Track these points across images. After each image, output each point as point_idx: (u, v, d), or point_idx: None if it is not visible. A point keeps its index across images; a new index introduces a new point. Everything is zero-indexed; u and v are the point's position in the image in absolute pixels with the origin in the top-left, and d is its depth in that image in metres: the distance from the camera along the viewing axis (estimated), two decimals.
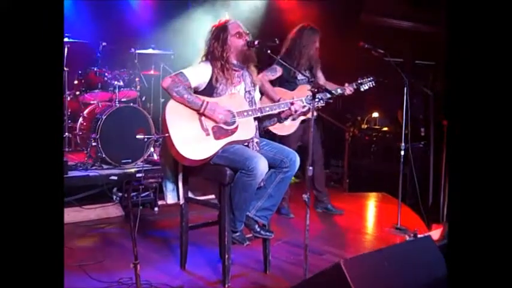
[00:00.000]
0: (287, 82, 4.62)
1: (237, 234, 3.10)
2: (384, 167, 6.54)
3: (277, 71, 4.55)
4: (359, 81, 4.43)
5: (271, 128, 4.32)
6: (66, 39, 5.14)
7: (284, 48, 4.64)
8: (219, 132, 2.99)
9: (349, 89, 4.42)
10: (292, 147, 4.65)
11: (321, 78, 4.75)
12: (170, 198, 3.29)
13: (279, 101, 4.20)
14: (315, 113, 4.59)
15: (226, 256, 3.01)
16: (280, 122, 3.35)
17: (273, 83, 4.62)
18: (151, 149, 5.27)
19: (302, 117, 4.51)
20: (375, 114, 7.54)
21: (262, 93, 4.42)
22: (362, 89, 4.47)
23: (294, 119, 4.35)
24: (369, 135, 7.28)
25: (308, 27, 4.65)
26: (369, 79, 4.46)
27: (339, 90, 4.42)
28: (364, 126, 7.45)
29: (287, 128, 4.46)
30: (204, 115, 2.99)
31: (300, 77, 4.60)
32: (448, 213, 1.86)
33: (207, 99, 3.03)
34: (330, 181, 7.02)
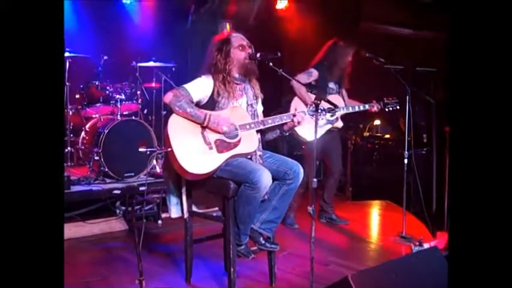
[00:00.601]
0: (319, 88, 4.63)
1: (242, 247, 3.09)
2: (387, 175, 6.52)
3: (313, 75, 4.61)
4: (386, 102, 4.64)
5: (297, 130, 4.33)
6: (67, 54, 5.15)
7: (317, 58, 4.75)
8: (221, 146, 2.99)
9: (376, 106, 4.63)
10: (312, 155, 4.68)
11: (345, 96, 4.86)
12: (174, 212, 3.28)
13: (310, 105, 4.27)
14: (340, 125, 4.71)
15: (232, 269, 3.00)
16: (282, 135, 3.34)
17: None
18: (154, 162, 5.26)
19: (329, 126, 4.55)
20: (377, 122, 7.52)
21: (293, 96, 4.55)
22: (387, 109, 4.69)
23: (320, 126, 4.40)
24: (371, 142, 7.25)
25: (344, 40, 4.75)
26: (394, 101, 4.68)
27: (367, 106, 4.64)
28: (366, 134, 7.43)
29: (311, 133, 4.45)
30: (208, 128, 2.99)
31: (331, 85, 4.71)
32: (449, 220, 1.83)
33: (209, 112, 3.03)
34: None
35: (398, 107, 4.69)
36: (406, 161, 4.52)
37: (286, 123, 3.21)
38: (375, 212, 5.78)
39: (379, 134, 7.44)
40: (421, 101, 5.79)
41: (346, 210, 5.43)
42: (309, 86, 4.54)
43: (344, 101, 4.76)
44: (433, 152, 5.73)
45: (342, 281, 1.99)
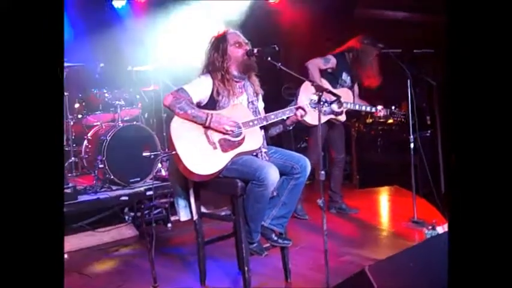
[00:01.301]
0: (332, 77, 4.64)
1: (254, 245, 3.06)
2: (393, 160, 6.49)
3: (330, 63, 4.59)
4: (393, 111, 4.67)
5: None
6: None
7: (343, 47, 4.74)
8: (226, 145, 2.96)
9: (383, 112, 4.66)
10: (318, 143, 4.64)
11: (356, 90, 4.85)
12: (183, 215, 3.26)
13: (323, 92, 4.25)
14: (344, 119, 4.69)
15: (246, 268, 2.97)
16: (286, 129, 3.31)
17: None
18: (159, 165, 5.24)
19: (331, 116, 4.53)
20: (379, 107, 7.47)
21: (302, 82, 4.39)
22: (392, 119, 4.82)
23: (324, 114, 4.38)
24: (374, 129, 7.22)
25: (371, 37, 4.71)
26: (402, 113, 4.72)
27: (373, 109, 4.65)
28: (369, 120, 7.39)
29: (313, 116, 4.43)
30: (211, 128, 2.96)
31: (343, 76, 4.69)
32: (449, 212, 1.80)
33: (211, 112, 2.99)
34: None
35: (404, 121, 4.71)
36: (412, 145, 4.48)
37: (288, 117, 3.18)
38: (384, 198, 5.76)
39: (382, 120, 7.39)
40: (421, 82, 5.75)
41: (355, 199, 5.41)
42: (325, 75, 4.53)
43: (354, 96, 4.73)
44: (437, 133, 5.69)
45: (359, 274, 1.97)
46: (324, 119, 4.51)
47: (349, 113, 4.86)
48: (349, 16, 6.91)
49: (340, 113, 4.62)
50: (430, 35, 6.03)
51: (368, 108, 4.64)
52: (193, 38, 5.79)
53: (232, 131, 2.96)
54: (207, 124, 2.94)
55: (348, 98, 4.58)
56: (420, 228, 4.12)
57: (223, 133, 2.96)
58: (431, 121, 6.46)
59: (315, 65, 4.51)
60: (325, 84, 4.49)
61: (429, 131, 6.17)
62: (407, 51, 6.53)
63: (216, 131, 2.96)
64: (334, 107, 4.44)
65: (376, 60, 4.71)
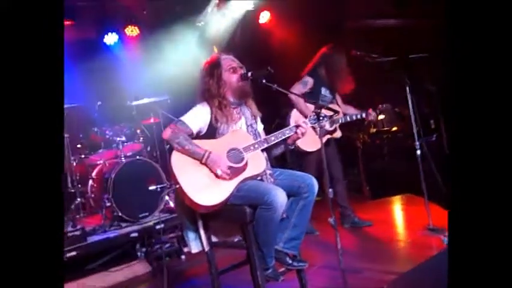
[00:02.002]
0: (312, 96, 4.59)
1: (269, 270, 2.98)
2: (401, 167, 6.42)
3: (309, 83, 4.60)
4: (380, 110, 4.71)
5: (298, 143, 4.29)
6: None
7: (311, 64, 4.74)
8: (230, 173, 2.90)
9: (372, 115, 4.66)
10: (313, 165, 4.61)
11: (339, 101, 4.86)
12: (194, 247, 3.19)
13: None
14: (339, 135, 4.66)
15: None
16: (288, 148, 3.26)
17: None
18: (167, 197, 5.19)
19: (328, 136, 4.51)
20: (381, 116, 7.42)
21: (292, 107, 4.54)
22: (379, 118, 4.86)
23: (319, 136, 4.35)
24: (379, 138, 7.17)
25: (336, 46, 4.76)
26: (389, 107, 4.81)
27: (363, 115, 4.66)
28: (373, 130, 7.34)
29: (313, 143, 4.39)
30: (206, 165, 2.89)
31: (323, 92, 4.66)
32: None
33: (209, 143, 2.95)
34: (349, 191, 6.89)
35: (395, 109, 4.90)
36: (418, 151, 4.42)
37: (289, 136, 3.13)
38: (397, 207, 5.67)
39: (385, 128, 7.34)
40: (420, 88, 5.71)
41: (367, 211, 5.32)
42: (307, 96, 4.51)
43: (339, 107, 4.72)
44: (443, 136, 5.63)
45: None
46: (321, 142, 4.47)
47: (350, 124, 4.83)
48: (339, 29, 6.93)
49: (334, 130, 4.61)
50: (424, 39, 6.02)
51: (359, 116, 4.64)
52: (188, 65, 5.80)
53: (224, 177, 2.87)
54: (203, 161, 2.88)
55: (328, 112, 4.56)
56: (437, 236, 4.03)
57: (216, 175, 2.88)
58: (435, 125, 6.41)
59: (296, 91, 4.49)
60: (311, 108, 4.47)
61: (434, 135, 6.11)
62: (402, 58, 6.52)
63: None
64: (327, 126, 4.44)
65: (347, 65, 4.73)
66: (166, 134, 2.95)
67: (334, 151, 4.85)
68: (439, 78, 5.62)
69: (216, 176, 2.87)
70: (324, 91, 4.67)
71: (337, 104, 4.74)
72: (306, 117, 4.27)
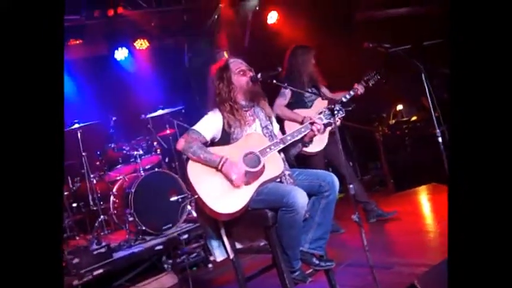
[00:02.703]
0: (297, 103, 4.58)
1: (297, 273, 2.92)
2: (424, 157, 6.28)
3: (287, 94, 4.53)
4: (366, 78, 4.59)
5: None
6: (76, 125, 5.14)
7: (284, 71, 4.63)
8: (247, 177, 2.84)
9: (360, 88, 4.55)
10: (320, 165, 4.54)
11: (327, 93, 4.72)
12: (218, 255, 3.14)
13: (303, 121, 4.17)
14: (339, 122, 4.58)
15: None
16: (306, 146, 3.20)
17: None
18: (189, 207, 5.16)
19: (329, 128, 4.42)
20: (399, 107, 7.32)
21: (283, 120, 4.45)
22: (370, 84, 4.61)
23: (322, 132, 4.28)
24: (399, 129, 7.05)
25: (300, 46, 4.72)
26: (373, 73, 4.64)
27: (351, 93, 4.54)
28: (392, 121, 7.23)
29: (318, 143, 4.31)
30: (221, 172, 2.84)
31: (307, 94, 4.58)
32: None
33: (224, 149, 2.90)
34: (374, 186, 6.81)
35: (379, 77, 4.65)
36: (440, 138, 4.30)
37: (306, 134, 3.06)
38: (423, 198, 5.54)
39: (405, 119, 7.23)
40: (437, 74, 5.59)
41: (393, 204, 5.22)
42: (291, 106, 4.46)
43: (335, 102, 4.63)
44: None
45: None
46: (324, 137, 4.38)
47: (368, 117, 4.76)
48: (349, 22, 6.84)
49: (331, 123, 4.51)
50: (436, 25, 5.91)
51: (348, 96, 4.52)
52: (199, 72, 5.80)
53: (238, 185, 2.81)
54: (219, 168, 2.83)
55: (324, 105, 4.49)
56: None
57: (232, 182, 2.82)
58: None
59: (280, 106, 4.50)
60: (300, 112, 4.48)
61: None
62: (416, 46, 6.41)
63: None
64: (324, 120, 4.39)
65: (315, 59, 4.68)
66: (180, 144, 2.92)
67: (337, 148, 4.73)
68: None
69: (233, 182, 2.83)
70: (307, 93, 4.57)
71: (327, 96, 4.65)
72: (300, 123, 4.24)
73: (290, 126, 4.36)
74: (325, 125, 4.29)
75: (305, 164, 4.62)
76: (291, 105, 4.56)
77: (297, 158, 4.57)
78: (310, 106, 4.57)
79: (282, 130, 4.38)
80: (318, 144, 4.39)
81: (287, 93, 4.52)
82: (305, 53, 4.65)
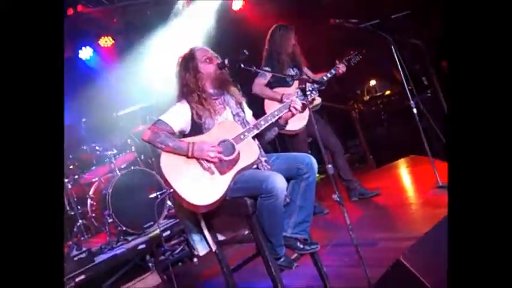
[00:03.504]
0: (277, 82, 4.53)
1: (282, 259, 2.86)
2: (401, 130, 6.31)
3: (267, 74, 4.46)
4: (347, 58, 4.59)
5: None
6: None
7: (264, 52, 4.64)
8: (222, 166, 2.77)
9: (342, 67, 4.53)
10: (303, 145, 4.50)
11: (309, 73, 4.71)
12: (201, 249, 3.07)
13: (281, 99, 4.12)
14: (320, 101, 4.54)
15: (279, 286, 2.78)
16: (282, 129, 3.12)
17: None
18: (169, 203, 5.07)
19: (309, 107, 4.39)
20: (372, 82, 7.31)
21: (263, 100, 4.44)
22: (352, 64, 4.61)
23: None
24: (374, 105, 7.05)
25: (279, 26, 4.66)
26: (354, 53, 4.64)
27: (333, 71, 4.50)
28: (366, 97, 7.23)
29: (298, 121, 4.26)
30: (195, 158, 2.77)
31: (289, 72, 4.56)
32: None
33: (195, 139, 2.82)
34: (353, 163, 6.81)
35: (361, 57, 4.66)
36: (415, 110, 4.29)
37: (281, 116, 2.99)
38: (403, 171, 5.55)
39: (379, 94, 7.23)
40: (407, 46, 5.57)
41: (374, 180, 5.22)
42: (272, 83, 4.42)
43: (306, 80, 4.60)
44: (438, 91, 5.51)
45: (396, 265, 1.78)
46: (304, 116, 4.32)
47: (343, 94, 4.73)
48: (317, 3, 6.78)
49: (312, 100, 4.46)
50: None
51: (329, 74, 4.49)
52: (168, 65, 5.67)
53: (218, 158, 2.75)
54: (189, 154, 2.74)
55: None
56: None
57: (210, 161, 2.77)
58: (428, 81, 6.28)
59: (260, 85, 4.45)
60: (280, 90, 4.44)
61: (429, 91, 5.98)
62: (385, 19, 6.39)
63: (203, 159, 2.77)
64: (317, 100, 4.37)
65: (296, 39, 4.66)
66: (146, 135, 2.83)
67: (324, 124, 4.72)
68: (424, 33, 5.50)
69: (210, 169, 2.74)
70: (289, 71, 4.56)
71: (308, 77, 4.62)
72: (280, 101, 4.21)
73: (269, 106, 4.34)
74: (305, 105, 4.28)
75: (287, 144, 4.58)
76: (271, 84, 4.51)
77: (279, 139, 4.54)
78: (292, 84, 4.54)
79: (262, 109, 4.34)
80: (299, 122, 4.33)
81: (267, 73, 4.46)
82: (284, 32, 4.61)
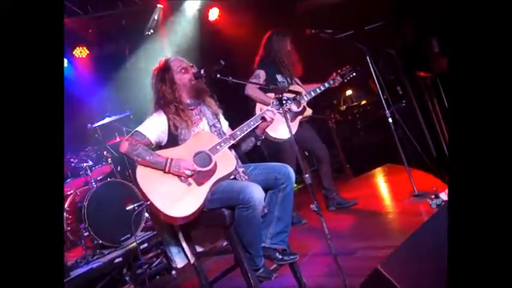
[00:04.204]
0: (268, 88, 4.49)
1: (261, 270, 2.84)
2: (377, 139, 6.37)
3: (261, 76, 4.49)
4: (341, 73, 4.56)
5: (270, 133, 4.21)
6: None
7: (259, 56, 4.66)
8: (200, 178, 2.75)
9: (337, 80, 4.53)
10: (291, 153, 4.48)
11: (299, 82, 4.75)
12: (179, 261, 3.04)
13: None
14: (310, 112, 4.55)
15: None
16: (258, 139, 3.11)
17: None
18: (146, 215, 5.00)
19: (299, 117, 4.41)
20: (349, 92, 7.38)
21: (255, 102, 4.44)
22: (345, 80, 4.60)
23: (292, 121, 4.24)
24: (350, 114, 7.11)
25: (276, 32, 4.68)
26: (349, 69, 4.60)
27: (326, 85, 4.51)
28: (343, 107, 7.29)
29: (285, 129, 4.25)
30: (171, 173, 2.74)
31: (280, 79, 4.56)
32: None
33: (172, 151, 2.79)
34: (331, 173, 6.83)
35: (355, 74, 4.63)
36: (390, 119, 4.34)
37: (257, 127, 2.98)
38: (380, 180, 5.60)
39: (355, 103, 7.30)
40: (381, 56, 5.64)
41: (352, 189, 5.25)
42: (263, 89, 4.43)
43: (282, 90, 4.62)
44: (412, 100, 5.58)
45: (374, 274, 1.78)
46: (295, 125, 4.35)
47: (319, 105, 4.75)
48: (291, 12, 6.83)
49: (304, 110, 4.50)
50: (376, 9, 5.96)
51: (322, 88, 4.50)
52: (143, 76, 5.64)
53: (192, 175, 2.73)
54: (166, 170, 2.71)
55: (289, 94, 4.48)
56: (424, 200, 3.95)
57: (186, 177, 2.74)
58: (402, 91, 6.36)
59: (253, 87, 4.44)
60: (271, 96, 4.37)
61: (404, 101, 6.06)
62: (358, 30, 6.47)
63: (177, 175, 2.74)
64: (294, 107, 4.36)
65: (293, 47, 4.68)
66: (124, 147, 2.79)
67: (311, 130, 4.74)
68: (399, 42, 5.58)
69: (187, 181, 2.72)
70: (280, 78, 4.58)
71: (298, 86, 4.64)
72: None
73: (262, 109, 4.31)
74: (296, 113, 4.30)
75: (277, 152, 4.57)
76: (264, 89, 4.49)
77: (269, 147, 4.51)
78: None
79: (254, 112, 4.33)
80: (286, 131, 4.34)
81: (261, 75, 4.48)
82: (280, 38, 4.62)
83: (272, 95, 4.38)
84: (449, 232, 1.49)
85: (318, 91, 4.46)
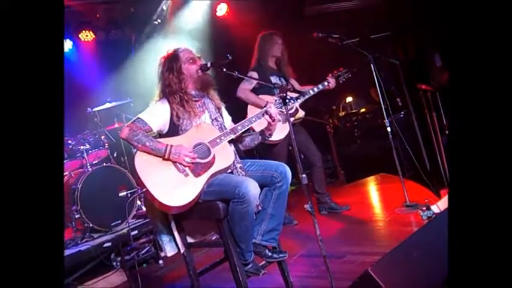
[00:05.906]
0: (262, 88, 4.53)
1: (250, 266, 2.87)
2: (373, 148, 6.41)
3: (253, 77, 4.45)
4: (337, 74, 4.57)
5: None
6: None
7: (253, 59, 4.69)
8: (197, 169, 2.77)
9: (332, 82, 4.52)
10: (282, 155, 4.51)
11: (296, 85, 4.72)
12: (169, 250, 3.06)
13: (266, 105, 4.15)
14: (303, 114, 4.58)
15: None
16: (266, 139, 3.14)
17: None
18: (138, 202, 5.02)
19: (292, 119, 4.42)
20: (349, 99, 7.41)
21: (247, 105, 4.47)
22: (341, 81, 4.60)
23: (283, 122, 4.24)
24: (349, 121, 7.13)
25: (266, 32, 4.72)
26: (344, 71, 4.61)
27: (320, 86, 4.50)
28: (342, 113, 7.31)
29: (279, 131, 4.28)
30: (171, 160, 2.76)
31: (274, 80, 4.56)
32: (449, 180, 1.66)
33: (172, 140, 2.82)
34: (325, 178, 6.86)
35: (350, 75, 4.66)
36: (389, 129, 4.38)
37: (265, 127, 3.03)
38: (372, 188, 5.64)
39: (354, 110, 7.32)
40: (384, 66, 5.68)
41: (344, 195, 5.28)
42: (257, 90, 4.45)
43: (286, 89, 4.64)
44: (411, 112, 5.63)
45: (364, 276, 1.81)
46: (285, 127, 4.36)
47: (318, 109, 4.77)
48: (299, 15, 6.86)
49: (296, 111, 4.52)
50: (383, 19, 5.99)
51: (316, 89, 4.49)
52: (148, 65, 5.64)
53: (192, 163, 2.76)
54: (166, 156, 2.74)
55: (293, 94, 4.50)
56: (415, 211, 4.00)
57: (185, 165, 2.77)
58: (402, 102, 6.40)
59: (245, 90, 4.48)
60: (266, 97, 4.43)
61: (402, 113, 6.10)
62: (365, 38, 6.51)
63: (177, 162, 2.77)
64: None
65: (284, 48, 4.70)
66: (124, 132, 2.81)
67: (306, 135, 4.76)
68: (402, 55, 5.62)
69: (184, 171, 2.75)
70: (274, 79, 4.59)
71: (294, 88, 4.66)
72: (262, 108, 4.24)
73: (253, 111, 4.33)
74: (291, 115, 4.33)
75: (267, 152, 4.59)
76: (257, 91, 4.52)
77: (260, 147, 4.57)
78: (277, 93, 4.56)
79: (245, 114, 4.36)
80: (280, 133, 4.36)
81: (254, 76, 4.48)
82: (269, 39, 4.66)
83: (265, 96, 4.42)
84: (449, 238, 1.51)
85: (312, 93, 4.46)
